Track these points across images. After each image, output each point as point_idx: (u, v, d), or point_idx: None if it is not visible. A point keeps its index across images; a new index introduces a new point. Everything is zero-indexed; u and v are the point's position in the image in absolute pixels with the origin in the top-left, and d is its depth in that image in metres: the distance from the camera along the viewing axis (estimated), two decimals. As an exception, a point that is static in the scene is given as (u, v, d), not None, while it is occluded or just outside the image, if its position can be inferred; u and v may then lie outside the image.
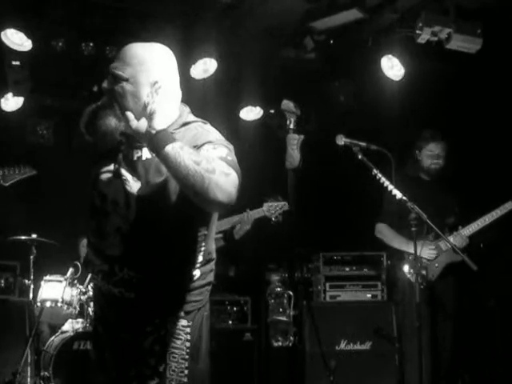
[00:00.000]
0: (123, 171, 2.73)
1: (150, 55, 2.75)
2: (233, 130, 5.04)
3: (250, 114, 7.02)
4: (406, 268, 5.09)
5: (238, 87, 6.71)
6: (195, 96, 6.70)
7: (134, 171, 2.72)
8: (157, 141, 2.50)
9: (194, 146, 2.59)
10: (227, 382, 5.71)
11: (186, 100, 2.86)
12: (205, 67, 6.31)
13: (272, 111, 7.03)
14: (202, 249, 2.75)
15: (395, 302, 5.55)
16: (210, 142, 2.62)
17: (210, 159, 2.52)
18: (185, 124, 2.77)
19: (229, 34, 6.11)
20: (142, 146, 2.73)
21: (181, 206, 2.63)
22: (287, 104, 3.40)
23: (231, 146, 2.68)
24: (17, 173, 4.44)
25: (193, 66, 6.32)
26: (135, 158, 2.74)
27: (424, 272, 4.92)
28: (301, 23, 6.07)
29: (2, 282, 5.76)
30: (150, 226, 2.65)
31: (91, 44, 6.24)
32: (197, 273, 2.74)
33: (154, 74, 2.70)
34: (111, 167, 2.76)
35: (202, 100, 6.63)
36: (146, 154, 2.73)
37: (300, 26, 6.10)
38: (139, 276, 2.64)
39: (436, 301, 5.07)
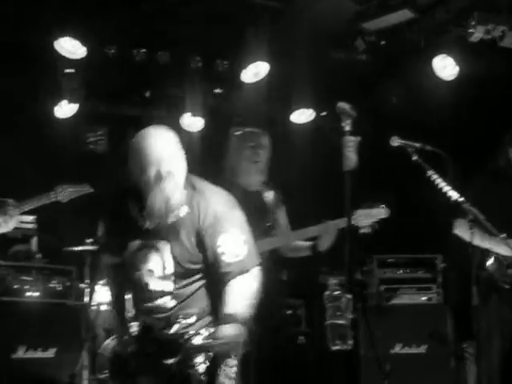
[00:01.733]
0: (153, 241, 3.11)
1: None
2: (284, 133, 5.04)
3: (302, 116, 7.02)
4: (490, 267, 4.88)
5: (290, 90, 6.72)
6: (245, 101, 6.76)
7: (162, 236, 3.10)
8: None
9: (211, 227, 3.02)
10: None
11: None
12: (256, 71, 6.33)
13: (324, 113, 7.03)
14: None
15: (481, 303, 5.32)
16: (226, 232, 3.02)
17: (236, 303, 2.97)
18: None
19: (280, 37, 6.12)
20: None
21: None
22: (343, 106, 3.36)
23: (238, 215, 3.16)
24: (74, 190, 4.60)
25: (243, 71, 6.35)
26: (159, 227, 3.08)
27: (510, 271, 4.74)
28: (351, 25, 6.05)
29: (59, 286, 5.85)
30: (187, 277, 3.10)
31: (142, 50, 6.33)
32: None
33: None
34: (139, 240, 3.14)
35: (253, 104, 6.68)
36: (169, 219, 3.08)
37: (351, 27, 6.08)
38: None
39: None
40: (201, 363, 2.91)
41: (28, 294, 5.72)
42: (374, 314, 5.95)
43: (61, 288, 5.87)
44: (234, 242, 3.00)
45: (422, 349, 5.98)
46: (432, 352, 5.95)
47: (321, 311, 5.63)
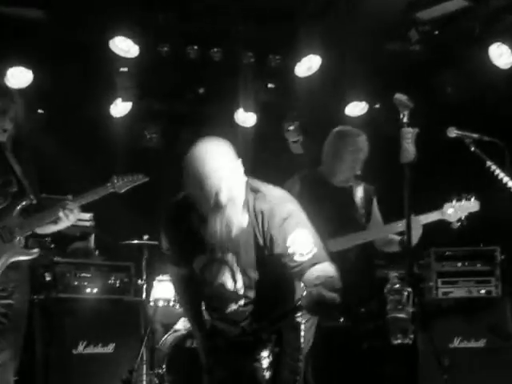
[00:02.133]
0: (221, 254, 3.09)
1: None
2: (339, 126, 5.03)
3: (356, 109, 6.99)
4: None
5: (343, 83, 6.69)
6: (299, 94, 6.76)
7: (228, 249, 3.06)
8: None
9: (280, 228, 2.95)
10: (340, 380, 5.69)
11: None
12: (309, 64, 6.34)
13: (378, 106, 6.97)
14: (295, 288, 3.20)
15: None
16: (294, 233, 2.93)
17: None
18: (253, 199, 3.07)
19: (332, 29, 6.10)
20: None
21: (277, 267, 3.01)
22: (400, 97, 3.33)
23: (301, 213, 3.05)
24: (130, 180, 4.58)
25: (297, 64, 6.36)
26: (225, 240, 3.02)
27: None
28: (404, 15, 6.00)
29: (118, 282, 5.92)
30: (260, 285, 3.10)
31: (195, 47, 6.37)
32: None
33: None
34: (205, 254, 3.11)
35: (307, 97, 6.67)
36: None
37: (404, 17, 6.02)
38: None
39: None
40: (265, 357, 2.93)
41: (87, 290, 5.80)
42: (432, 307, 5.90)
43: (119, 284, 5.93)
44: (304, 241, 2.91)
45: (481, 343, 5.88)
46: (491, 346, 5.85)
47: (379, 305, 5.59)
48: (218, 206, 2.88)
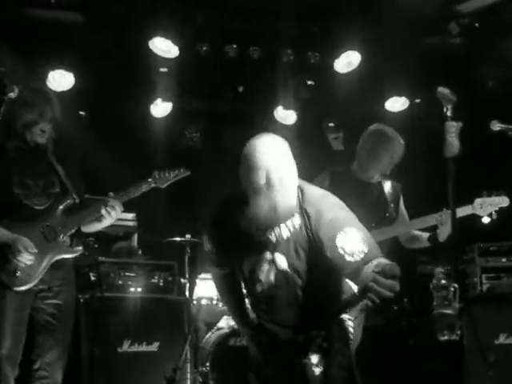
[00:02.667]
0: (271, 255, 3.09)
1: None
2: (378, 122, 5.00)
3: (396, 104, 6.95)
4: None
5: (382, 78, 6.65)
6: (339, 90, 6.74)
7: (278, 249, 3.07)
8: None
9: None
10: (386, 375, 5.67)
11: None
12: (348, 60, 6.33)
13: (418, 100, 6.92)
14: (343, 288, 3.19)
15: None
16: (343, 233, 2.87)
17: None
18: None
19: (371, 24, 6.07)
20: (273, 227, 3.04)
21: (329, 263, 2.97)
22: (443, 91, 3.31)
23: (348, 211, 3.02)
24: (172, 175, 4.55)
25: (336, 60, 6.35)
26: (275, 240, 3.05)
27: None
28: (444, 8, 5.95)
29: (161, 281, 5.95)
30: (310, 286, 3.08)
31: (234, 46, 6.39)
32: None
33: None
34: (254, 254, 3.10)
35: (347, 93, 6.65)
36: (283, 232, 3.05)
37: (443, 10, 5.97)
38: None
39: None
40: (314, 353, 2.93)
41: (131, 289, 5.84)
42: (477, 303, 5.82)
43: (162, 283, 5.96)
44: (354, 240, 2.84)
45: (528, 339, 5.80)
46: (539, 343, 5.76)
47: (422, 301, 5.56)
48: (266, 185, 2.85)
